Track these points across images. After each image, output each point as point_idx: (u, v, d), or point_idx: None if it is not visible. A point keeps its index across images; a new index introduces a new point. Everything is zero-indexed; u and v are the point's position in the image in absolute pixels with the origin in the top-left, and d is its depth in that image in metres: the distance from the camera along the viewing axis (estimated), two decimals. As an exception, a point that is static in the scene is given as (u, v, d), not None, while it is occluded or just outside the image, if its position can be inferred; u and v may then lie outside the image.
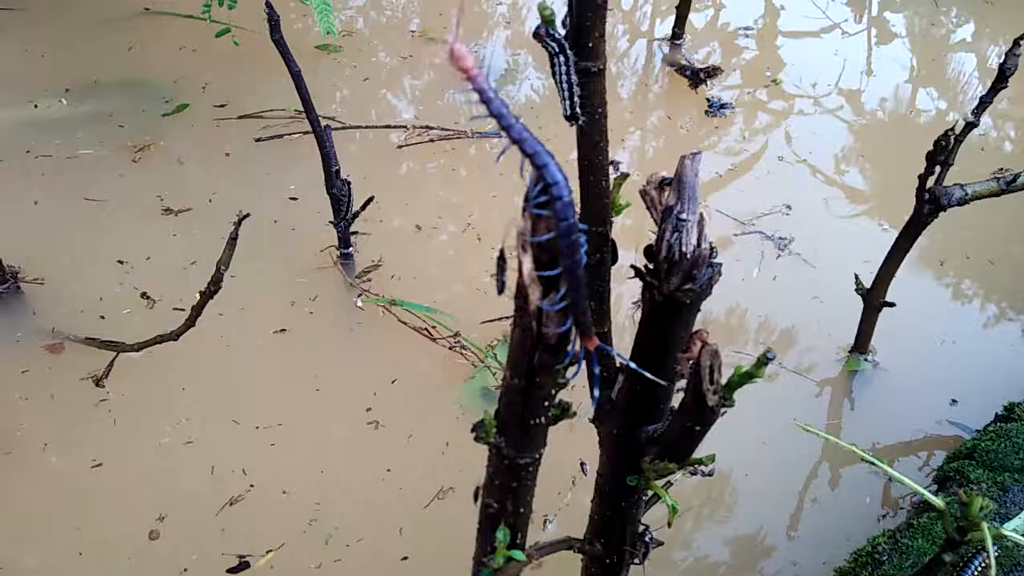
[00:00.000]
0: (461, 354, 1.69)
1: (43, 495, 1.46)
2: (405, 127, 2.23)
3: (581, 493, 1.47)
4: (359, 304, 1.77)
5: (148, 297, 1.75)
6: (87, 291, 1.75)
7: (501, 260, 0.55)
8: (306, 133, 2.03)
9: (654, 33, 2.68)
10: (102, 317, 1.70)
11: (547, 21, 0.65)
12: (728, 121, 2.35)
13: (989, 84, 1.21)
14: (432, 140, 2.19)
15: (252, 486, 1.47)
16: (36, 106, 2.26)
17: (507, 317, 1.75)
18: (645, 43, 2.65)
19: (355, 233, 1.85)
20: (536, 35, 0.64)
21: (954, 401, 1.65)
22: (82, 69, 2.36)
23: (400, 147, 2.16)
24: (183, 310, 1.49)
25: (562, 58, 0.66)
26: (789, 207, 2.10)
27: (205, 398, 1.60)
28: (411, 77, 2.45)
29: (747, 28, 2.73)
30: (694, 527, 1.49)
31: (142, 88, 2.34)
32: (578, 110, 0.68)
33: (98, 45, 2.45)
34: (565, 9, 0.67)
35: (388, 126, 2.23)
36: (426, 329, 1.72)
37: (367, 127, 2.23)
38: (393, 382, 1.64)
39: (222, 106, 2.24)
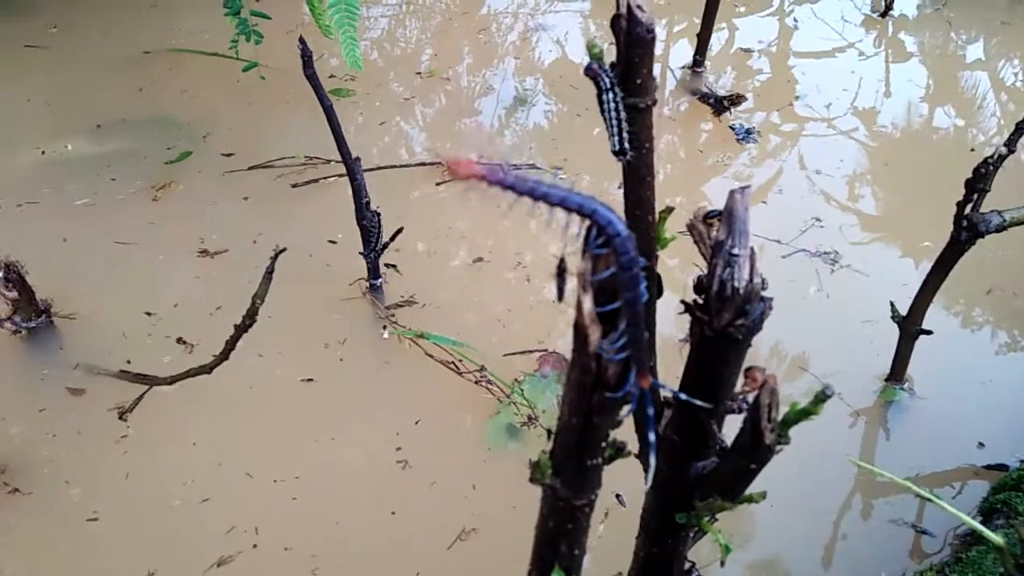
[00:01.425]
0: (487, 389, 1.68)
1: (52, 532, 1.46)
2: (440, 163, 2.22)
3: (613, 526, 1.45)
4: (385, 335, 1.77)
5: (184, 342, 1.75)
6: (117, 327, 1.76)
7: (561, 267, 0.55)
8: (340, 175, 2.03)
9: (668, 59, 2.69)
10: (128, 361, 1.70)
11: (596, 58, 0.65)
12: (758, 147, 2.35)
13: (1006, 101, 1.21)
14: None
15: (255, 546, 1.45)
16: (68, 147, 2.29)
17: (531, 351, 1.75)
18: (659, 69, 2.67)
19: (392, 266, 1.87)
20: (588, 72, 0.64)
21: (981, 444, 1.62)
22: (105, 107, 2.39)
23: (439, 184, 2.16)
24: (212, 350, 1.47)
25: (611, 95, 0.66)
26: (819, 219, 2.11)
27: (222, 448, 1.58)
28: (426, 116, 2.45)
29: (753, 47, 2.74)
30: (727, 561, 1.46)
31: (166, 127, 2.36)
32: (627, 145, 0.68)
33: (119, 84, 2.49)
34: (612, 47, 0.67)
35: (423, 164, 2.23)
36: (452, 363, 1.72)
37: (402, 166, 2.21)
38: (417, 423, 1.63)
39: (230, 155, 2.24)
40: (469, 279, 1.93)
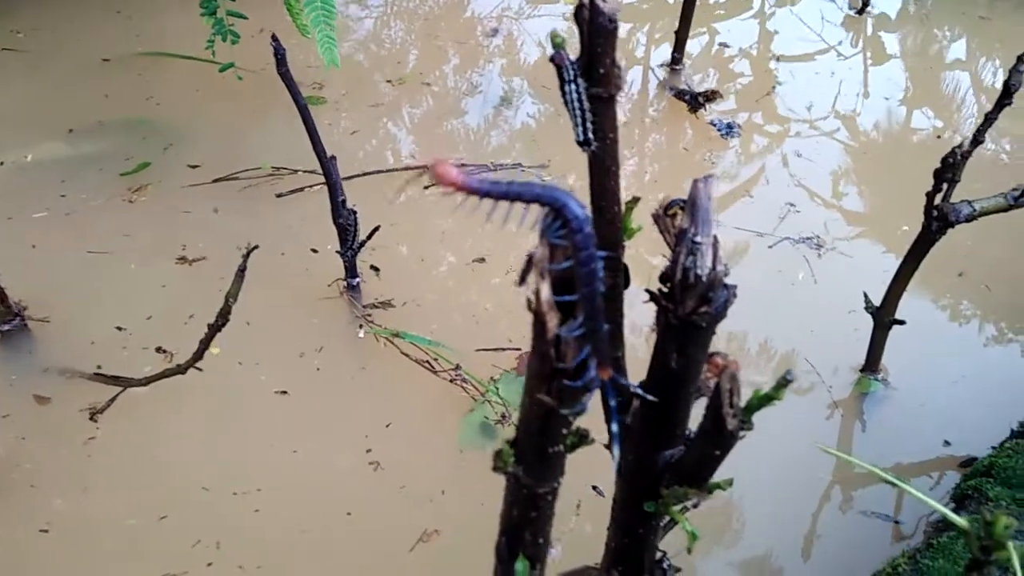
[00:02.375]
0: (462, 387, 1.68)
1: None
2: (425, 167, 2.20)
3: (584, 518, 1.45)
4: (361, 335, 1.77)
5: (164, 350, 1.73)
6: (92, 332, 1.75)
7: (529, 261, 0.55)
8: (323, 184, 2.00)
9: (650, 59, 2.70)
10: (98, 366, 1.68)
11: (558, 47, 0.65)
12: (742, 144, 2.36)
13: (986, 99, 1.22)
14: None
15: (210, 564, 1.42)
16: (28, 157, 2.26)
17: (504, 348, 1.75)
18: (641, 69, 2.67)
19: (375, 269, 1.86)
20: (554, 60, 0.64)
21: (947, 443, 1.63)
22: (83, 110, 2.37)
23: (427, 188, 2.14)
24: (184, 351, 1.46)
25: (574, 85, 0.67)
26: (793, 204, 2.14)
27: (192, 459, 1.56)
28: (398, 123, 2.42)
29: (731, 44, 2.75)
30: (704, 554, 1.47)
31: (135, 132, 2.35)
32: (591, 135, 0.68)
33: (89, 89, 2.47)
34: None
35: (407, 168, 2.22)
36: (427, 362, 1.71)
37: (387, 171, 2.19)
38: (388, 425, 1.62)
39: (195, 167, 2.20)
40: (450, 280, 1.93)
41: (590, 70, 0.68)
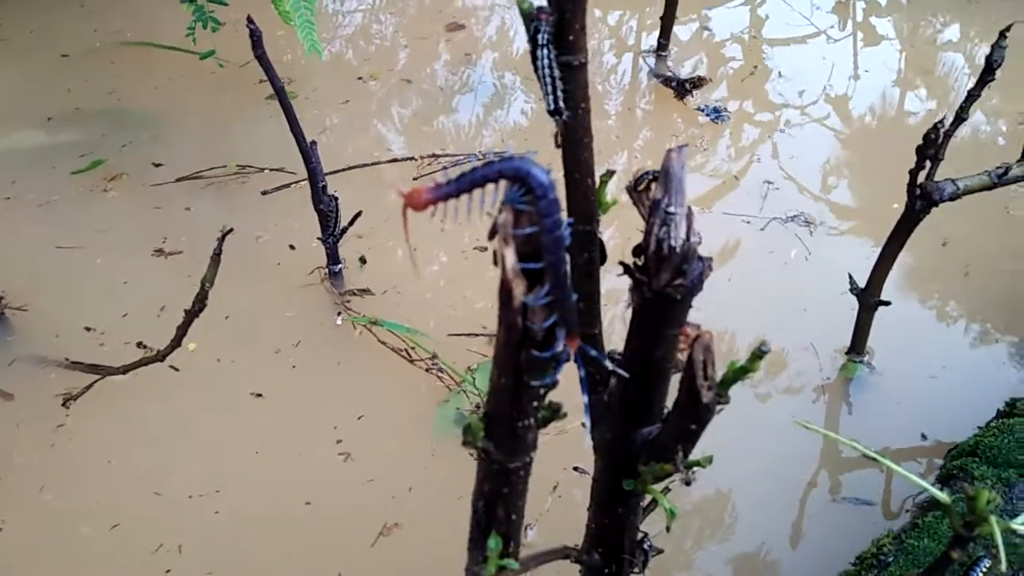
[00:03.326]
0: (438, 377, 1.66)
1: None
2: (413, 159, 2.18)
3: (564, 499, 1.44)
4: (339, 322, 1.75)
5: (143, 346, 1.71)
6: (67, 321, 1.73)
7: (494, 226, 0.54)
8: (304, 180, 1.93)
9: (640, 46, 2.69)
10: (66, 358, 1.66)
11: (525, 12, 0.63)
12: (720, 129, 2.35)
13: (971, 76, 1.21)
14: (445, 168, 2.14)
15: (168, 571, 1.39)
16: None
17: (478, 334, 1.74)
18: (631, 57, 2.66)
19: (363, 261, 1.85)
20: (539, 15, 0.62)
21: (924, 436, 1.61)
22: (62, 100, 2.35)
23: (416, 179, 2.12)
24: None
25: (546, 50, 0.65)
26: (771, 182, 2.14)
27: (148, 464, 1.53)
28: (376, 117, 2.39)
29: (715, 30, 2.74)
30: (694, 544, 1.46)
31: (119, 120, 2.33)
32: (562, 104, 0.66)
33: (77, 76, 2.45)
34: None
35: (394, 160, 2.18)
36: (405, 350, 1.69)
37: (373, 164, 2.16)
38: (360, 418, 1.60)
39: (159, 165, 2.16)
40: (434, 269, 1.91)
41: (559, 37, 0.66)
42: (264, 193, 2.04)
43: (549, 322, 0.52)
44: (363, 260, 1.87)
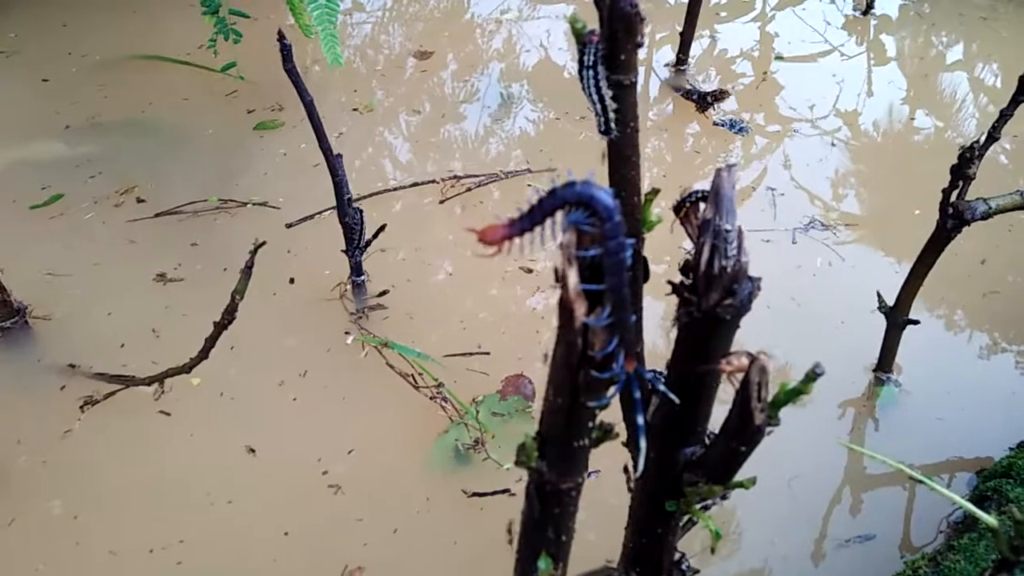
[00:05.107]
0: (442, 406, 1.62)
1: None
2: (435, 181, 2.16)
3: (601, 515, 1.43)
4: (348, 341, 1.73)
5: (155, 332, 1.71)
6: (91, 331, 1.73)
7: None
8: (332, 209, 1.93)
9: (652, 61, 2.69)
10: (121, 346, 1.67)
11: (578, 32, 0.63)
12: (747, 141, 2.35)
13: (987, 100, 1.21)
14: (469, 189, 2.13)
15: None
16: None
17: (473, 353, 1.72)
18: (643, 71, 2.66)
19: (383, 293, 1.83)
20: (590, 39, 0.62)
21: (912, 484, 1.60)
22: (78, 111, 2.36)
23: (442, 202, 2.10)
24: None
25: (593, 71, 0.65)
26: (773, 188, 2.15)
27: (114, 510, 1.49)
28: (373, 148, 2.34)
29: (731, 50, 2.75)
30: (716, 557, 1.45)
31: (139, 131, 2.33)
32: (613, 125, 0.66)
33: (92, 89, 2.46)
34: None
35: (416, 184, 2.15)
36: (411, 375, 1.66)
37: (399, 188, 2.14)
38: (350, 452, 1.56)
39: (142, 201, 2.08)
40: (451, 291, 1.90)
41: (610, 56, 0.67)
42: (289, 226, 1.99)
43: (613, 344, 0.52)
44: (383, 293, 1.86)
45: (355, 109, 2.44)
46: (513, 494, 1.47)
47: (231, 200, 2.07)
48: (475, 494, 1.46)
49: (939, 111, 2.54)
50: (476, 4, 2.95)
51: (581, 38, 0.65)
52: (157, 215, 2.02)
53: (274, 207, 2.05)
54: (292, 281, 1.86)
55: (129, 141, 2.29)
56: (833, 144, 2.34)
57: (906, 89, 2.62)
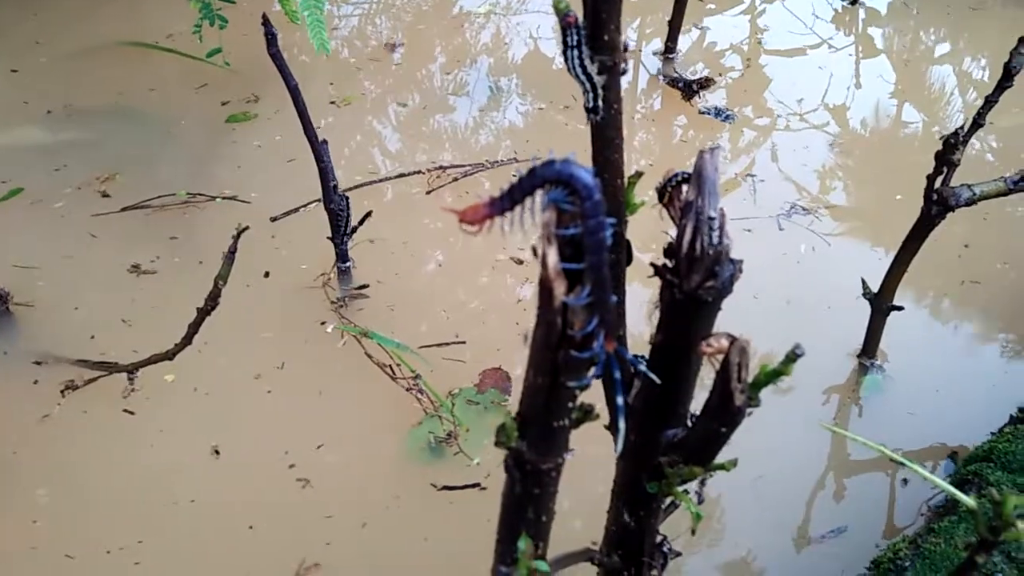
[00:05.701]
0: (417, 398, 1.61)
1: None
2: (421, 172, 2.14)
3: (584, 498, 1.43)
4: (329, 329, 1.73)
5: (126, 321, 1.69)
6: (76, 319, 1.72)
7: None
8: (317, 201, 1.88)
9: (641, 50, 2.69)
10: (92, 337, 1.66)
11: (562, 11, 0.63)
12: (734, 131, 2.35)
13: (975, 92, 1.22)
14: (456, 179, 2.12)
15: None
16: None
17: (448, 343, 1.72)
18: (633, 60, 2.66)
19: (364, 287, 1.81)
20: (567, 21, 0.62)
21: (905, 481, 1.57)
22: (71, 95, 2.33)
23: (428, 192, 2.08)
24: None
25: (577, 51, 0.65)
26: (753, 175, 2.17)
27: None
28: (352, 140, 2.30)
29: (720, 43, 2.75)
30: (697, 546, 1.45)
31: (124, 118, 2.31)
32: (600, 103, 0.66)
33: (78, 76, 2.43)
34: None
35: (402, 175, 2.14)
36: (390, 366, 1.66)
37: (385, 179, 2.12)
38: (319, 447, 1.54)
39: (106, 196, 2.05)
40: (437, 281, 1.89)
41: (595, 36, 0.66)
42: (274, 219, 1.97)
43: (592, 323, 0.52)
44: (363, 287, 1.85)
45: (332, 102, 2.41)
46: (484, 488, 1.47)
47: (200, 194, 2.04)
48: (445, 487, 1.46)
49: (926, 102, 2.54)
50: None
51: (562, 19, 0.65)
52: (123, 209, 1.99)
53: (244, 201, 2.03)
54: (267, 275, 1.84)
55: (99, 132, 2.27)
56: (834, 148, 2.33)
57: (894, 82, 2.62)
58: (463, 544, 1.40)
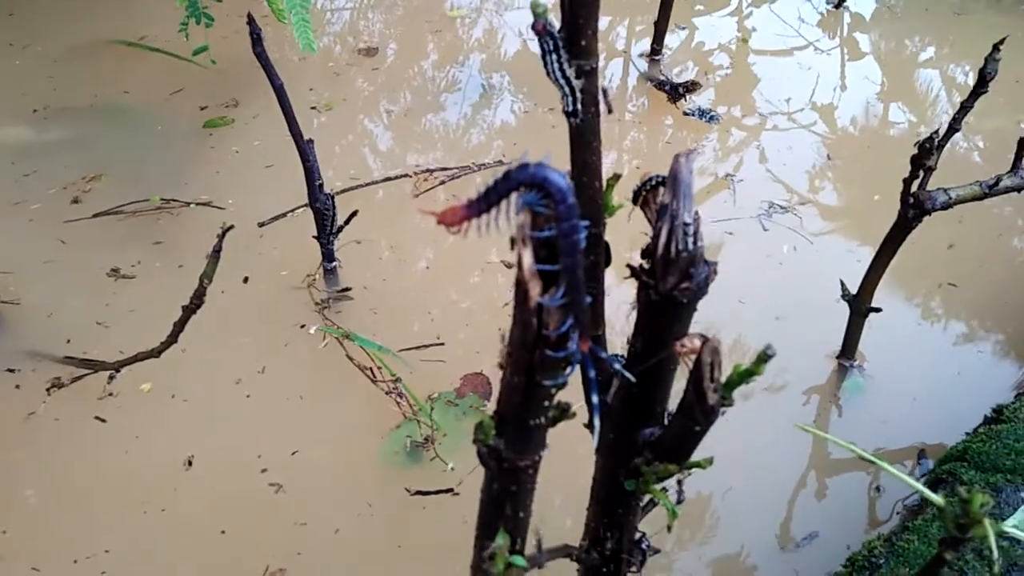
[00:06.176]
0: (397, 401, 1.62)
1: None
2: (408, 175, 2.15)
3: (566, 496, 1.45)
4: (311, 331, 1.73)
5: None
6: (60, 317, 1.72)
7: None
8: (305, 206, 1.84)
9: (630, 51, 2.71)
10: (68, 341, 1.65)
11: (540, 16, 0.64)
12: (721, 133, 2.37)
13: (959, 95, 1.23)
14: (443, 182, 2.13)
15: None
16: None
17: (428, 345, 1.72)
18: (622, 61, 2.68)
19: (347, 289, 1.81)
20: (536, 29, 0.63)
21: (879, 488, 1.60)
22: (50, 96, 2.33)
23: (416, 196, 2.09)
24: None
25: (555, 55, 0.66)
26: (732, 175, 2.19)
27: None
28: (330, 148, 2.29)
29: (709, 44, 2.77)
30: (682, 547, 1.47)
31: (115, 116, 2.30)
32: (579, 107, 0.68)
33: (68, 73, 2.43)
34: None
35: (388, 178, 2.14)
36: (370, 369, 1.66)
37: (371, 183, 2.12)
38: (294, 453, 1.55)
39: (75, 202, 2.04)
40: (422, 284, 1.90)
41: (572, 41, 0.68)
42: (261, 225, 1.96)
43: (567, 324, 0.53)
44: (346, 291, 1.85)
45: (314, 107, 2.41)
46: (457, 494, 1.47)
47: (174, 200, 2.04)
48: (418, 492, 1.47)
49: (912, 103, 2.57)
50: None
51: (538, 25, 0.66)
52: (95, 215, 1.98)
53: (218, 207, 2.03)
54: (246, 280, 1.84)
55: (75, 135, 2.26)
56: (828, 157, 2.35)
57: (880, 83, 2.65)
58: (436, 550, 1.41)
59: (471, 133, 2.35)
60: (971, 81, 2.66)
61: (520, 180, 0.51)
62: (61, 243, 1.91)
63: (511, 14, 2.87)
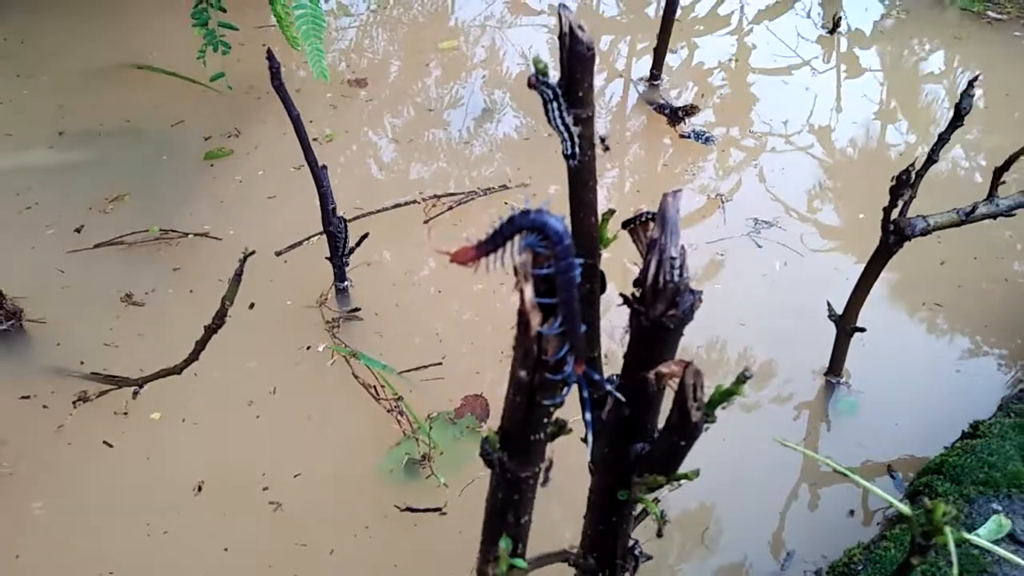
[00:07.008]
0: (398, 419, 1.68)
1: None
2: (416, 201, 2.21)
3: (564, 506, 1.50)
4: (320, 349, 1.79)
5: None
6: (85, 335, 1.78)
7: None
8: (321, 233, 1.89)
9: (630, 73, 2.78)
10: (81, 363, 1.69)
11: (541, 72, 0.72)
12: (718, 157, 2.44)
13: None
14: (451, 207, 2.19)
15: None
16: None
17: (428, 365, 1.79)
18: (622, 82, 2.75)
19: (356, 310, 1.86)
20: (531, 84, 0.70)
21: (852, 512, 1.65)
22: (33, 133, 2.37)
23: (426, 222, 2.15)
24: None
25: (555, 104, 0.73)
26: (721, 194, 2.26)
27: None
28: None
29: (709, 63, 2.84)
30: (677, 559, 1.53)
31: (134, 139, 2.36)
32: (577, 151, 0.75)
33: (85, 97, 2.48)
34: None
35: (399, 204, 2.19)
36: (374, 387, 1.72)
37: (383, 210, 2.17)
38: (296, 476, 1.60)
39: (78, 230, 2.07)
40: (429, 307, 1.95)
41: (569, 93, 0.75)
42: (278, 254, 1.97)
43: (564, 350, 0.60)
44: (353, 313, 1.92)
45: (315, 139, 2.44)
46: (444, 513, 1.52)
47: (172, 230, 2.07)
48: (408, 509, 1.52)
49: (909, 123, 2.63)
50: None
51: (537, 80, 0.73)
52: (96, 246, 2.01)
53: (216, 238, 2.06)
54: (252, 306, 1.89)
55: (85, 162, 2.30)
56: (829, 180, 2.42)
57: (878, 101, 2.72)
58: (432, 569, 1.46)
59: (471, 158, 2.42)
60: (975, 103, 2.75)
61: (523, 224, 0.58)
62: (60, 272, 1.95)
63: (507, 44, 2.93)
